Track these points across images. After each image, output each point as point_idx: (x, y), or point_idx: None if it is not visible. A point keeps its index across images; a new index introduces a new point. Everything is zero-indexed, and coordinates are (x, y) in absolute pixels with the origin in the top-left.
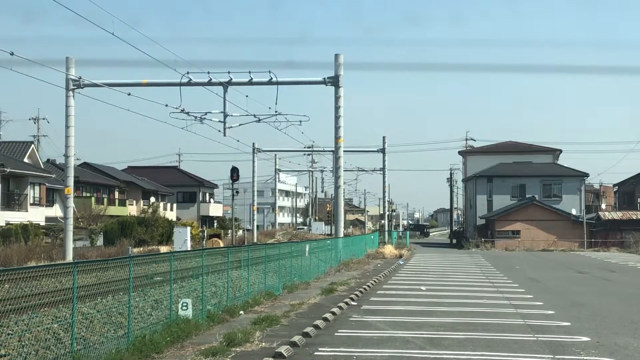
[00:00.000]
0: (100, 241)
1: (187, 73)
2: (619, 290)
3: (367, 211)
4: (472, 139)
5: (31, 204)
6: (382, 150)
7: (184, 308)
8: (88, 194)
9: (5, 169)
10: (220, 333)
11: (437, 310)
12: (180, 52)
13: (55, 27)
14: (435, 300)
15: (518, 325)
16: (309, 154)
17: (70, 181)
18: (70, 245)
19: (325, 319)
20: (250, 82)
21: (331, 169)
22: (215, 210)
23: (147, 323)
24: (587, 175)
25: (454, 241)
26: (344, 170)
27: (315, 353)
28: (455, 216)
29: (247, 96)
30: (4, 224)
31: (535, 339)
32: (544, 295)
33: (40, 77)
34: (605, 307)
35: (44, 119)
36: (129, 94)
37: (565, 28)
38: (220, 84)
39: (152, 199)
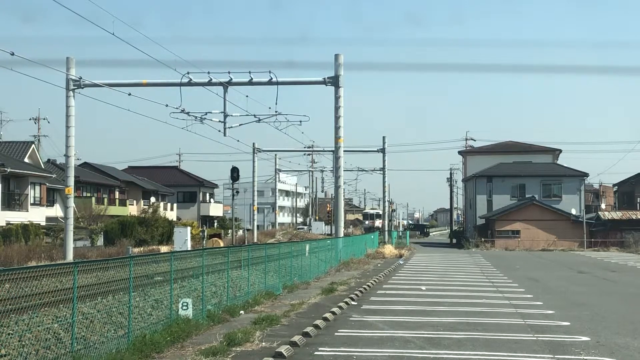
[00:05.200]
0: (100, 241)
1: (187, 73)
2: (619, 290)
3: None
4: (472, 139)
5: (31, 204)
6: (382, 150)
7: (184, 308)
8: (88, 194)
9: (6, 169)
10: (221, 333)
11: (437, 310)
12: (180, 52)
13: (55, 27)
14: (435, 300)
15: (518, 325)
16: (309, 154)
17: (71, 181)
18: (70, 245)
19: (325, 319)
20: (250, 82)
21: (331, 169)
22: (215, 210)
23: (147, 323)
24: (587, 175)
25: (454, 241)
26: (344, 170)
27: (315, 353)
28: (455, 216)
29: (247, 96)
30: (5, 224)
31: (535, 338)
32: (544, 295)
33: (41, 77)
34: (605, 307)
35: (44, 119)
36: (129, 94)
37: (566, 28)
38: (220, 84)
39: (152, 199)
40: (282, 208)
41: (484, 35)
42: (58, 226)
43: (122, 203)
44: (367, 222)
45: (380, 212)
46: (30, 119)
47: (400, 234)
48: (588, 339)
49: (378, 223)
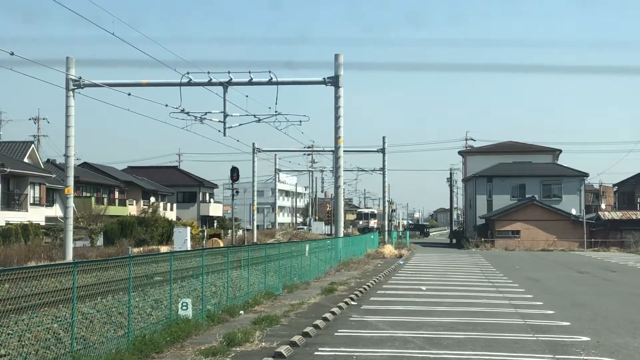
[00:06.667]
0: (100, 241)
1: (187, 73)
2: (619, 290)
3: None
4: (472, 139)
5: (31, 204)
6: (382, 150)
7: (184, 308)
8: (88, 194)
9: (6, 169)
10: (220, 333)
11: (437, 310)
12: (180, 52)
13: (55, 27)
14: (435, 300)
15: (518, 325)
16: (309, 154)
17: (70, 181)
18: (70, 245)
19: (325, 319)
20: (250, 82)
21: (331, 169)
22: (215, 210)
23: (147, 323)
24: (587, 175)
25: (454, 241)
26: (344, 170)
27: (315, 353)
28: (455, 216)
29: (247, 96)
30: (4, 224)
31: (535, 338)
32: (544, 295)
33: (40, 77)
34: (605, 307)
35: (44, 119)
36: (129, 94)
37: (566, 28)
38: (220, 84)
39: (152, 199)
40: (282, 208)
41: (484, 35)
42: (58, 226)
43: (122, 203)
44: (361, 222)
45: (376, 212)
46: (29, 119)
47: (400, 234)
48: (588, 339)
49: (373, 223)
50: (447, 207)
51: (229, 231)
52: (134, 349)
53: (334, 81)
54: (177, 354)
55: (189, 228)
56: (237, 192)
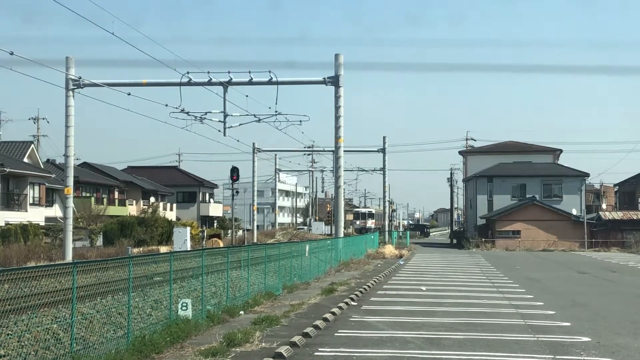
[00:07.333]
0: (99, 241)
1: (187, 73)
2: (619, 290)
3: None
4: (472, 139)
5: (31, 204)
6: (382, 150)
7: (184, 308)
8: (88, 194)
9: (5, 169)
10: (220, 333)
11: (437, 310)
12: (180, 52)
13: (55, 27)
14: (436, 300)
15: (518, 326)
16: (309, 154)
17: (70, 181)
18: (69, 246)
19: (325, 319)
20: (250, 82)
21: (331, 169)
22: (215, 210)
23: (146, 323)
24: (587, 175)
25: (455, 241)
26: (344, 170)
27: (315, 353)
28: (455, 216)
29: (247, 96)
30: (4, 224)
31: (535, 339)
32: (544, 295)
33: (40, 77)
34: (605, 307)
35: (43, 119)
36: (129, 94)
37: (565, 28)
38: (220, 84)
39: (152, 199)
40: (282, 208)
41: (484, 35)
42: (57, 226)
43: (122, 203)
44: (358, 222)
45: (374, 211)
46: (29, 119)
47: (401, 234)
48: (588, 339)
49: (371, 223)
50: (448, 207)
51: (229, 231)
52: (134, 350)
53: (334, 81)
54: (177, 354)
55: (188, 228)
56: (237, 192)
